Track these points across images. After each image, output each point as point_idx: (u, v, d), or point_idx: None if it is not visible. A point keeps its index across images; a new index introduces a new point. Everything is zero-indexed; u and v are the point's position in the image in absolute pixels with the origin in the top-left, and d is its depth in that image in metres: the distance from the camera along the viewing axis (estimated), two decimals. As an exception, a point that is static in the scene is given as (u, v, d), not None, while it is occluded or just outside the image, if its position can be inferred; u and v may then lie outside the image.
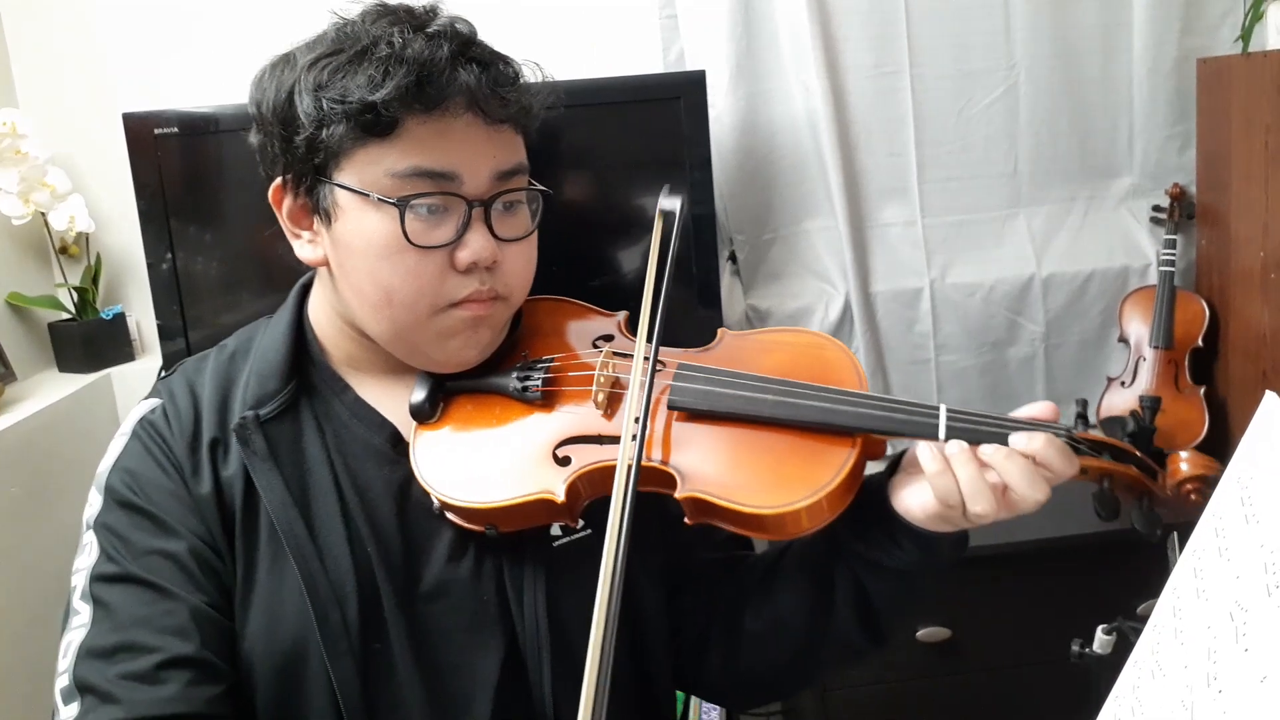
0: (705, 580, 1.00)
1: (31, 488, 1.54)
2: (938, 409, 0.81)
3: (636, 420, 0.80)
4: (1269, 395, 0.61)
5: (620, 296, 1.02)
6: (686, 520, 0.82)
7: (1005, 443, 0.78)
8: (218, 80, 1.68)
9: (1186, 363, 1.85)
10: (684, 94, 1.52)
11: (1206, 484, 0.79)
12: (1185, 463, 0.81)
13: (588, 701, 0.65)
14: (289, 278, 1.00)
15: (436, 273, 0.84)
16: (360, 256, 0.84)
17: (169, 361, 1.51)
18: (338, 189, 0.83)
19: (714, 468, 0.82)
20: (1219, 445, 1.79)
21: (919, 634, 1.69)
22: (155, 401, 0.91)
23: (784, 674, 0.99)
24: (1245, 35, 1.82)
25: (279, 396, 0.89)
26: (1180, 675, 0.55)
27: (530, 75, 0.90)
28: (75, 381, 1.73)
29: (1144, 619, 0.63)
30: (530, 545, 0.89)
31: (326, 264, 0.89)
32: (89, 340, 1.78)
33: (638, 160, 1.55)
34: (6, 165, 1.64)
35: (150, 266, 1.48)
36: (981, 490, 0.77)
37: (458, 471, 0.86)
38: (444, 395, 0.91)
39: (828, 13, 1.78)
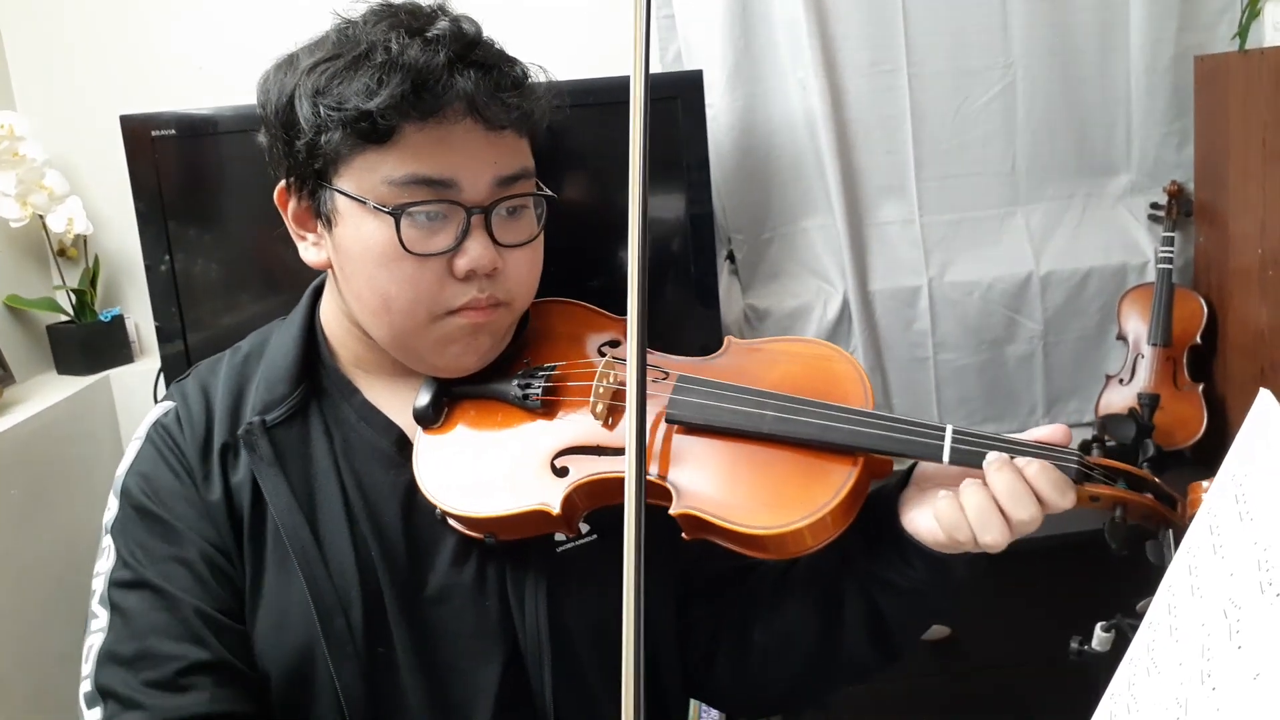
0: (716, 590, 0.98)
1: (31, 490, 1.55)
2: (943, 430, 0.79)
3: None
4: (1263, 393, 0.61)
5: (620, 297, 1.01)
6: (684, 536, 0.81)
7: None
8: (215, 81, 1.69)
9: (1185, 360, 1.86)
10: (681, 94, 1.52)
11: None
12: (1207, 492, 0.76)
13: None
14: (289, 280, 1.00)
15: (435, 280, 0.83)
16: (359, 263, 0.84)
17: (168, 364, 1.51)
18: (337, 195, 0.83)
19: (711, 485, 0.81)
20: (1217, 443, 1.79)
21: (919, 632, 1.69)
22: (170, 405, 0.91)
23: (794, 687, 0.98)
24: (1242, 32, 1.82)
25: (287, 401, 0.89)
26: (1175, 672, 0.55)
27: (536, 78, 0.88)
28: (74, 384, 1.73)
29: (1143, 616, 0.63)
30: (533, 551, 0.88)
31: (330, 267, 0.89)
32: (87, 342, 1.78)
33: (636, 160, 1.55)
34: (4, 167, 1.64)
35: (148, 269, 1.48)
36: (992, 521, 0.75)
37: (457, 479, 0.86)
38: (449, 400, 0.90)
39: (825, 11, 1.78)
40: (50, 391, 1.69)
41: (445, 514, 0.86)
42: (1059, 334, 1.94)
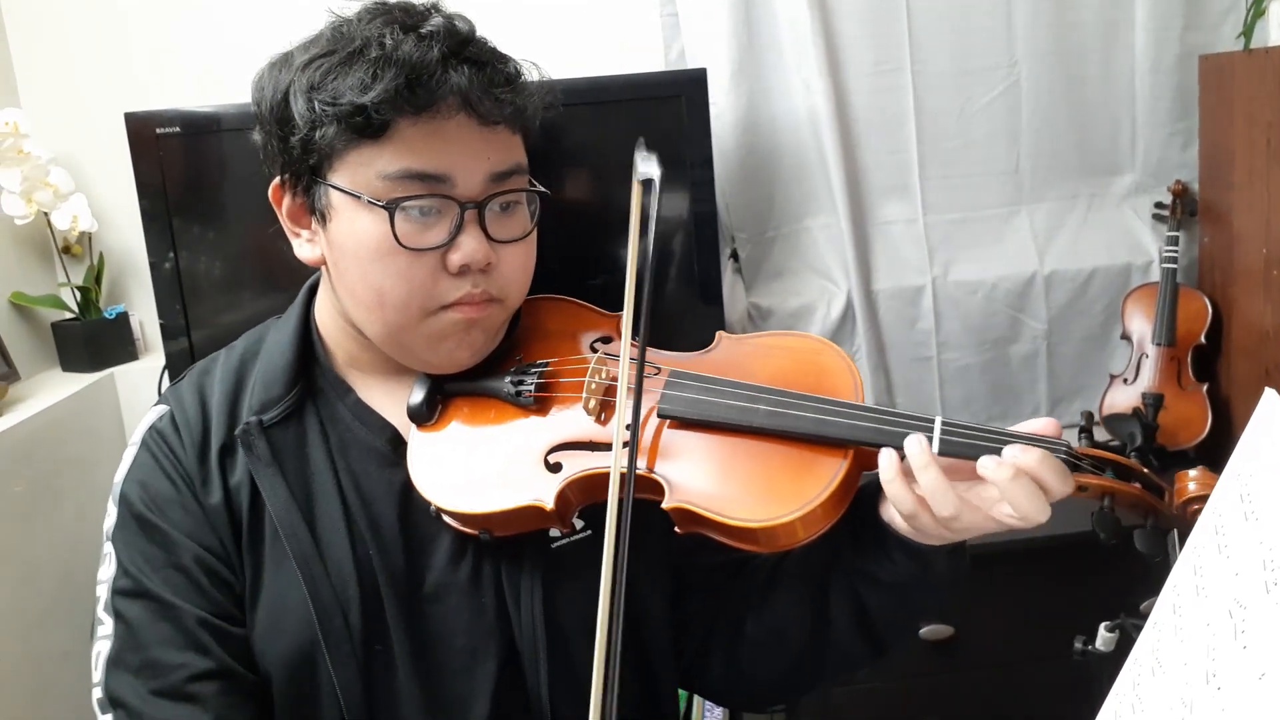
0: (709, 584, 0.99)
1: (35, 486, 1.55)
2: (933, 421, 0.79)
3: (628, 427, 0.80)
4: (1269, 392, 0.61)
5: (620, 296, 1.02)
6: (676, 530, 0.82)
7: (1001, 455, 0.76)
8: (219, 79, 1.69)
9: (1189, 360, 1.85)
10: (685, 92, 1.52)
11: None
12: (1194, 481, 0.76)
13: (595, 705, 0.65)
14: (291, 277, 1.00)
15: (428, 275, 0.83)
16: (353, 258, 0.84)
17: (172, 361, 1.51)
18: (331, 190, 0.83)
19: (703, 478, 0.81)
20: (1221, 442, 1.79)
21: (921, 632, 1.69)
22: (164, 409, 0.91)
23: (786, 679, 0.98)
24: (1247, 32, 1.82)
25: (283, 401, 0.90)
26: (1180, 672, 0.55)
27: (530, 75, 0.89)
28: (78, 381, 1.73)
29: (1147, 616, 0.63)
30: (529, 547, 0.89)
31: (324, 263, 0.89)
32: (92, 340, 1.78)
33: (639, 159, 1.55)
34: (9, 165, 1.64)
35: (153, 266, 1.49)
36: (942, 493, 0.75)
37: (451, 476, 0.86)
38: (442, 397, 0.91)
39: (829, 10, 1.78)
40: (55, 388, 1.70)
41: (440, 511, 0.86)
42: (1063, 334, 1.93)
